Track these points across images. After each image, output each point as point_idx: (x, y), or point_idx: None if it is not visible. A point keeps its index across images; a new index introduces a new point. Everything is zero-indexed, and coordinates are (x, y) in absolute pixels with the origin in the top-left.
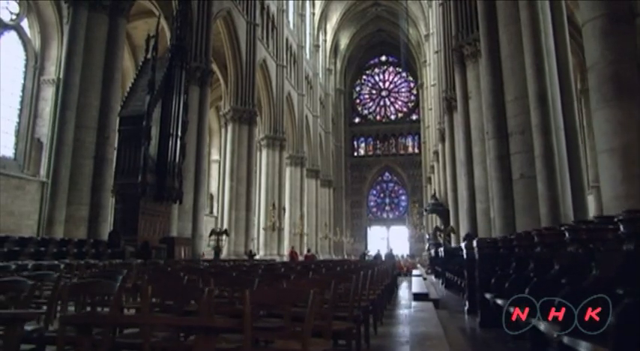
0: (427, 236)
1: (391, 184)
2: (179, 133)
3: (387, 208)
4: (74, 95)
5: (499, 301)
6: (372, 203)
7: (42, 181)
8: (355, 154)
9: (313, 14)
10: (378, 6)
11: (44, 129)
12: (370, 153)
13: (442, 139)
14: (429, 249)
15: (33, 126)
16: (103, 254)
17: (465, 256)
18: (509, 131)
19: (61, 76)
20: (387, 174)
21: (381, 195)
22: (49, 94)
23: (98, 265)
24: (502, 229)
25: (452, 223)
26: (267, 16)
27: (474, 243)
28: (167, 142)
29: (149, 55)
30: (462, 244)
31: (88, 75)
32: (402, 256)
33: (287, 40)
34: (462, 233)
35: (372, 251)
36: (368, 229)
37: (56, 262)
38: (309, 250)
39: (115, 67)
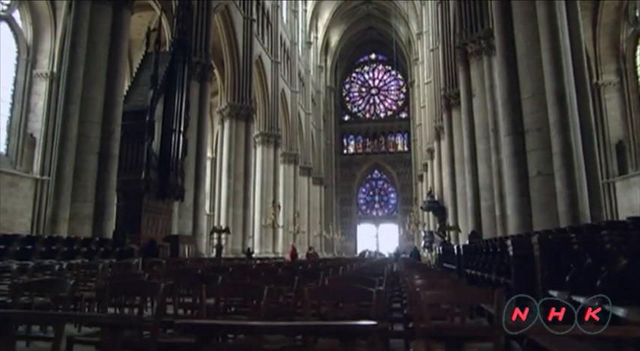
0: (423, 234)
1: (380, 182)
2: (181, 129)
3: (377, 205)
4: (78, 89)
5: (580, 299)
6: (361, 201)
7: (35, 177)
8: (345, 151)
9: (305, 11)
10: (369, 3)
11: (37, 124)
12: (360, 151)
13: (438, 137)
14: (425, 246)
15: (25, 121)
16: (112, 253)
17: (511, 252)
18: (525, 128)
19: (65, 69)
20: (376, 172)
21: (371, 193)
22: (42, 88)
23: (132, 264)
24: (518, 226)
25: (451, 220)
26: (262, 12)
27: (535, 239)
28: (170, 138)
29: (150, 50)
30: (508, 242)
31: (91, 68)
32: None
33: (281, 36)
34: (461, 230)
35: (364, 249)
36: (357, 226)
37: (92, 260)
38: (310, 248)
39: (120, 60)
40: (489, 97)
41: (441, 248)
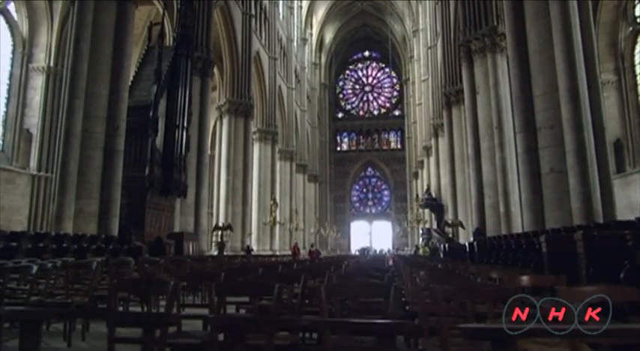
0: (421, 231)
1: (374, 179)
2: (185, 125)
3: (370, 203)
4: (82, 83)
5: None
6: (354, 198)
7: (32, 174)
8: (338, 149)
9: (301, 7)
10: (364, 1)
11: (34, 119)
12: (353, 148)
13: (436, 135)
14: (424, 243)
15: (22, 116)
16: (120, 251)
17: (544, 249)
18: (537, 126)
19: (69, 63)
20: (369, 169)
21: (364, 190)
22: (38, 82)
23: (159, 263)
24: (531, 222)
25: (450, 217)
26: (260, 8)
27: (578, 235)
28: (173, 134)
29: (152, 44)
30: (542, 238)
31: (95, 62)
32: (389, 251)
33: (278, 32)
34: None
35: (364, 246)
36: (351, 223)
37: (109, 258)
38: (312, 245)
39: (124, 55)
40: (493, 95)
41: (446, 245)
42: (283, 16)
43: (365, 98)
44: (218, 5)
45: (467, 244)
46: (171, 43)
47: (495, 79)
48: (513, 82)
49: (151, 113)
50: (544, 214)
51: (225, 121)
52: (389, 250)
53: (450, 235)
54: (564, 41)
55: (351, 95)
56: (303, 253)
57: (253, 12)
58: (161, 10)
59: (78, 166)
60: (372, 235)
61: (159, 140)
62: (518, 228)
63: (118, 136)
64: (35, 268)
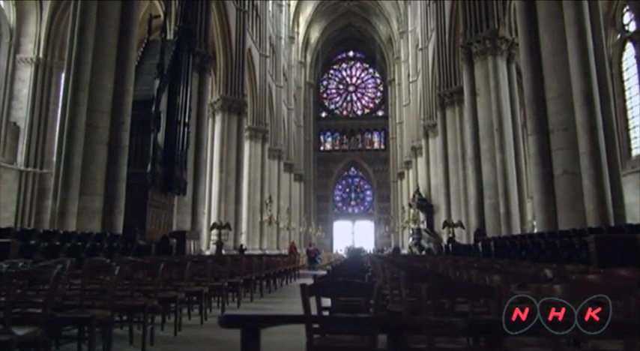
0: (411, 231)
1: (357, 179)
2: (186, 121)
3: (353, 202)
4: (87, 75)
5: None
6: (337, 198)
7: (20, 169)
8: (322, 148)
9: (289, 6)
10: (351, 0)
11: (21, 112)
12: (337, 148)
13: (426, 135)
14: (416, 243)
15: (8, 109)
16: (130, 250)
17: (593, 249)
18: (550, 128)
19: (73, 54)
20: (352, 169)
21: (347, 190)
22: (26, 74)
23: (207, 262)
24: (543, 223)
25: (444, 217)
26: (252, 5)
27: None
28: (174, 130)
29: (152, 37)
30: (589, 238)
31: (101, 54)
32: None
33: (268, 30)
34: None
35: (359, 246)
36: (334, 223)
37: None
38: (311, 245)
39: (130, 46)
40: (494, 97)
41: (450, 245)
42: (273, 14)
43: (349, 98)
44: (214, 1)
45: (479, 244)
46: (171, 36)
47: (496, 82)
48: (525, 84)
49: (153, 108)
50: (557, 215)
51: (218, 118)
52: (377, 250)
53: (451, 235)
54: (579, 45)
55: (335, 95)
56: (302, 252)
57: (247, 8)
58: (157, 5)
59: (82, 162)
60: (354, 235)
61: (160, 136)
62: (517, 228)
63: (122, 130)
64: (117, 268)
